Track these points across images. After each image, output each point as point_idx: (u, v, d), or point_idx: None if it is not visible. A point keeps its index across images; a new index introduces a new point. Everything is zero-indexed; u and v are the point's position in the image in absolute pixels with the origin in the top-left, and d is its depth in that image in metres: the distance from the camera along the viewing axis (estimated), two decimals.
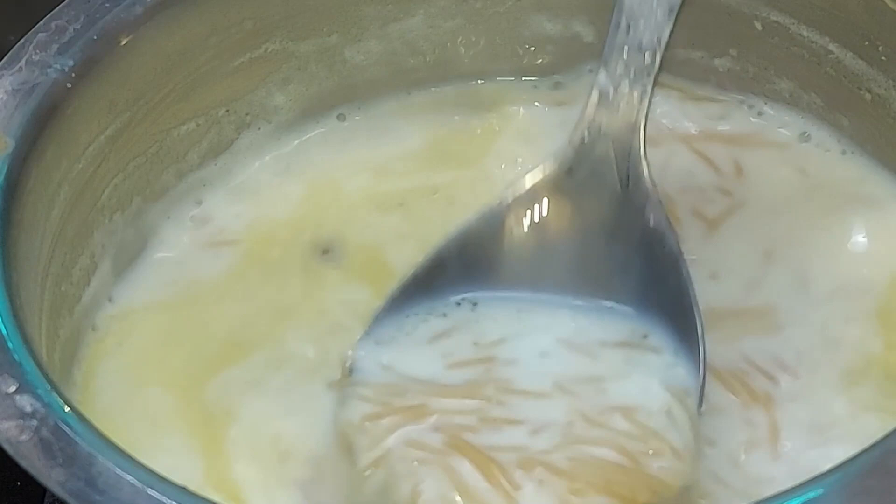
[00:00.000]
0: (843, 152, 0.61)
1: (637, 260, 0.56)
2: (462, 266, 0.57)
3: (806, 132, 0.62)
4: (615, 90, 0.57)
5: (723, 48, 0.63)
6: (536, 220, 0.58)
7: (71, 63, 0.55)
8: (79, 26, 0.56)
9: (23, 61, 0.55)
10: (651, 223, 0.56)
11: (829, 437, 0.52)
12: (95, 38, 0.56)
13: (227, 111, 0.63)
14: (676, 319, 0.54)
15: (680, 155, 0.62)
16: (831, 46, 0.60)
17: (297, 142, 0.64)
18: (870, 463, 0.42)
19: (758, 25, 0.61)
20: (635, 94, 0.57)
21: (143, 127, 0.59)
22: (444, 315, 0.56)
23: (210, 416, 0.55)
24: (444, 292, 0.56)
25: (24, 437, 0.44)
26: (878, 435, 0.44)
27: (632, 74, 0.57)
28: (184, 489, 0.44)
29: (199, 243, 0.61)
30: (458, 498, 0.49)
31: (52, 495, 0.44)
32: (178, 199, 0.62)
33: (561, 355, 0.54)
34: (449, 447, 0.51)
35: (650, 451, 0.50)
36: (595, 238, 0.57)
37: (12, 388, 0.46)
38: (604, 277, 0.56)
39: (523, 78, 0.66)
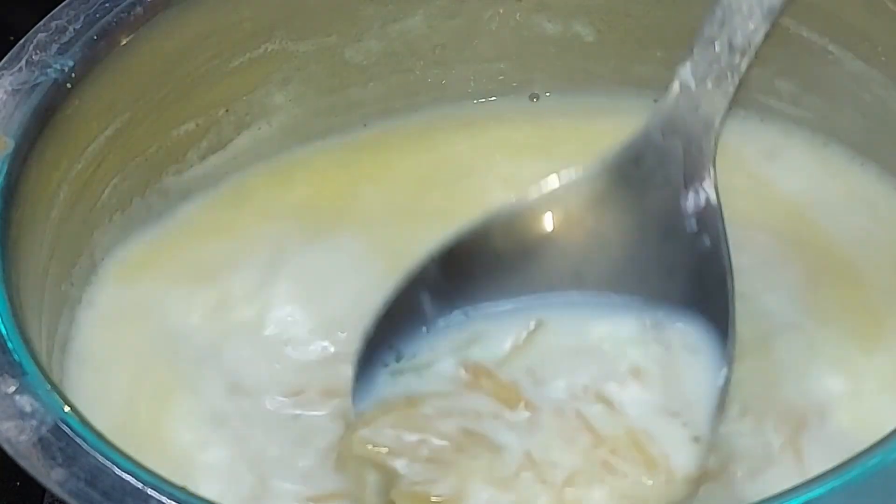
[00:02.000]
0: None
1: (684, 267, 0.54)
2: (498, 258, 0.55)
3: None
4: (697, 86, 0.54)
5: None
6: (590, 208, 0.55)
7: (71, 63, 0.55)
8: (79, 26, 0.56)
9: (23, 61, 0.55)
10: (707, 232, 0.54)
11: None
12: (95, 38, 0.56)
13: (227, 111, 0.63)
14: (712, 337, 0.53)
15: None
16: (831, 46, 0.60)
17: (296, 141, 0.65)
18: (871, 464, 0.42)
19: None
20: (718, 93, 0.54)
21: (143, 127, 0.59)
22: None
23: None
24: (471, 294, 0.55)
25: (23, 437, 0.44)
26: None
27: (717, 72, 0.54)
28: (184, 489, 0.44)
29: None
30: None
31: (52, 495, 0.44)
32: (177, 198, 0.62)
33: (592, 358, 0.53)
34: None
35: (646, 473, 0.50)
36: (645, 236, 0.55)
37: (12, 388, 0.46)
38: (648, 278, 0.55)
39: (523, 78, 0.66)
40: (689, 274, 0.54)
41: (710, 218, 0.54)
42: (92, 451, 0.44)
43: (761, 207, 0.60)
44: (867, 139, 0.61)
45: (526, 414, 0.51)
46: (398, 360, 0.53)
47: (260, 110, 0.64)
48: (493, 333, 0.54)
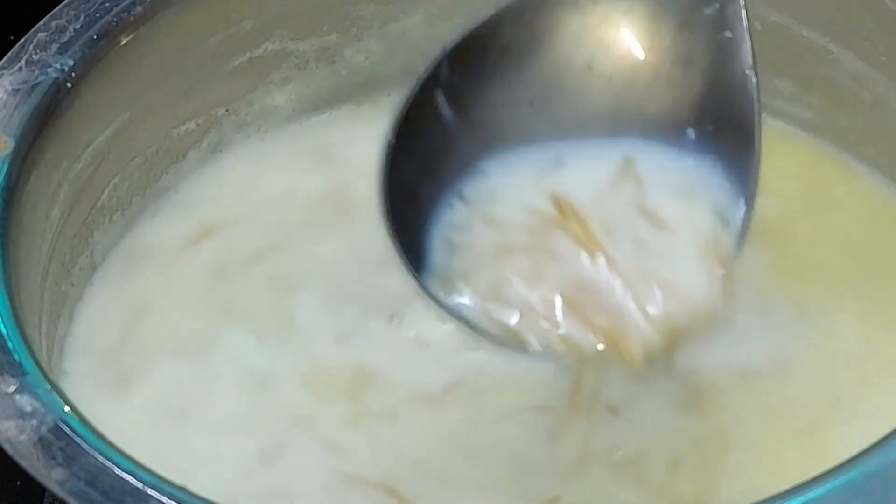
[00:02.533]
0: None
1: (707, 70, 0.52)
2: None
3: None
4: None
5: None
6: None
7: (71, 63, 0.55)
8: (79, 26, 0.56)
9: (23, 61, 0.55)
10: (728, 28, 0.51)
11: None
12: (95, 38, 0.56)
13: (227, 111, 0.63)
14: (735, 146, 0.52)
15: None
16: (831, 46, 0.60)
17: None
18: (870, 463, 0.42)
19: (758, 25, 0.61)
20: None
21: (143, 127, 0.59)
22: None
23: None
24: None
25: (23, 437, 0.44)
26: None
27: None
28: (184, 489, 0.44)
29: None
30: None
31: (52, 495, 0.44)
32: (177, 198, 0.62)
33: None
34: None
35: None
36: (662, 32, 0.53)
37: (12, 388, 0.46)
38: (668, 91, 0.53)
39: None
40: (718, 84, 0.52)
41: (736, 20, 0.52)
42: (92, 451, 0.44)
43: (759, 205, 0.60)
44: (867, 139, 0.61)
45: (603, 264, 0.51)
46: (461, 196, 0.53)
47: (260, 110, 0.64)
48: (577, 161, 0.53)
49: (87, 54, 0.55)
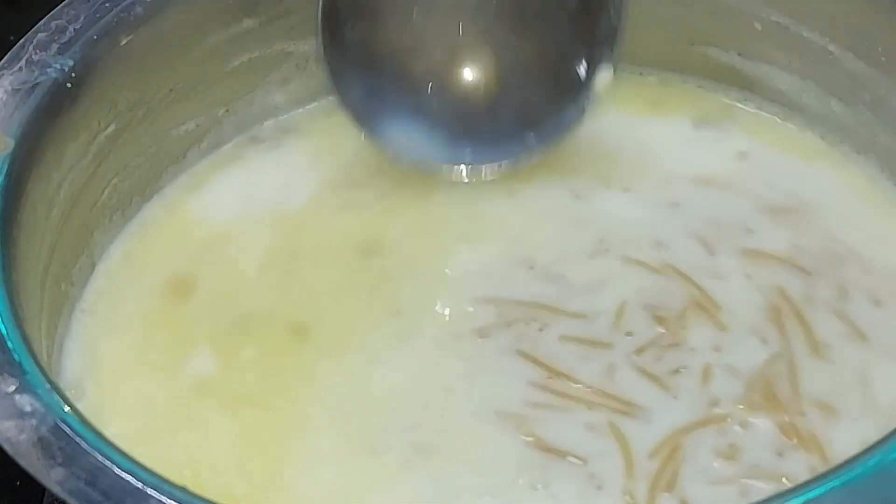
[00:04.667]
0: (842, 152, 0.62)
1: None
2: None
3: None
4: None
5: (723, 48, 0.63)
6: None
7: (71, 63, 0.55)
8: (79, 26, 0.56)
9: (23, 61, 0.55)
10: None
11: None
12: (95, 38, 0.56)
13: (227, 111, 0.63)
14: None
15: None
16: (831, 47, 0.60)
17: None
18: (871, 463, 0.42)
19: (758, 25, 0.61)
20: None
21: (143, 127, 0.59)
22: None
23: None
24: None
25: (23, 437, 0.44)
26: None
27: None
28: (184, 489, 0.44)
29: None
30: None
31: (52, 495, 0.44)
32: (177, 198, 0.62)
33: None
34: None
35: None
36: None
37: (12, 388, 0.46)
38: None
39: None
40: None
41: None
42: (92, 451, 0.44)
43: (761, 205, 0.60)
44: (867, 139, 0.61)
45: None
46: None
47: (260, 110, 0.64)
48: None
49: (87, 54, 0.56)
